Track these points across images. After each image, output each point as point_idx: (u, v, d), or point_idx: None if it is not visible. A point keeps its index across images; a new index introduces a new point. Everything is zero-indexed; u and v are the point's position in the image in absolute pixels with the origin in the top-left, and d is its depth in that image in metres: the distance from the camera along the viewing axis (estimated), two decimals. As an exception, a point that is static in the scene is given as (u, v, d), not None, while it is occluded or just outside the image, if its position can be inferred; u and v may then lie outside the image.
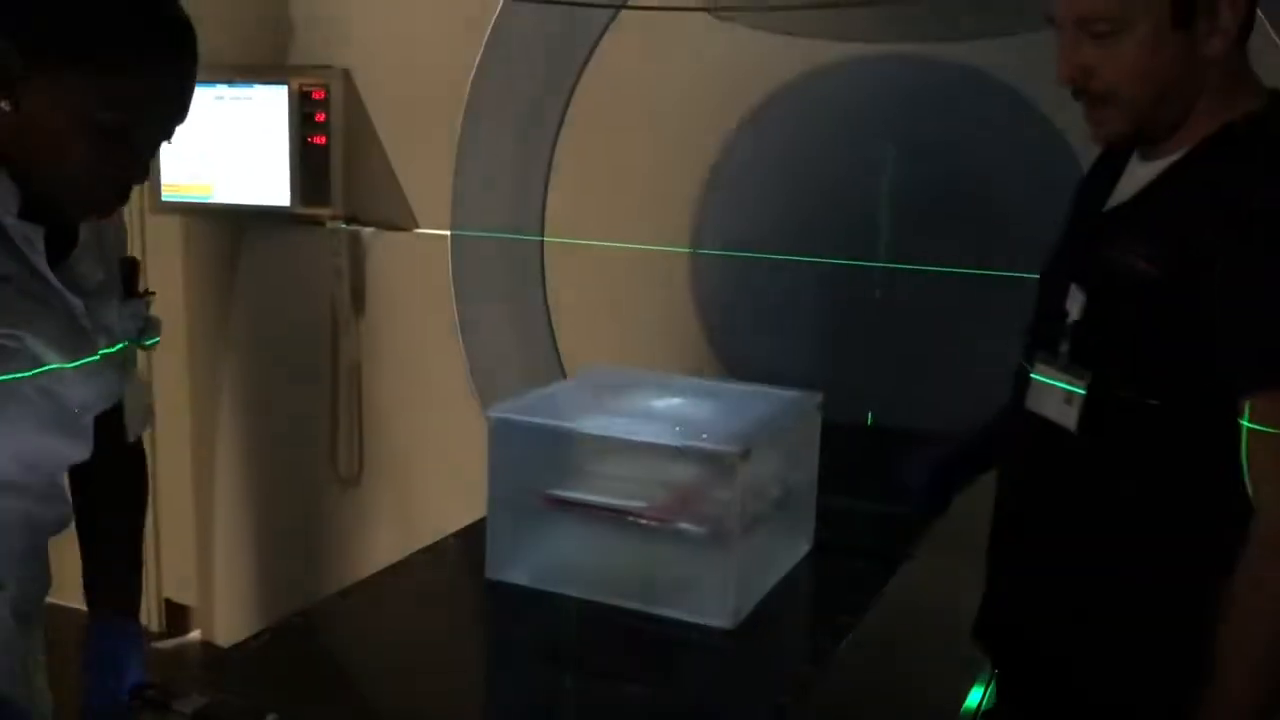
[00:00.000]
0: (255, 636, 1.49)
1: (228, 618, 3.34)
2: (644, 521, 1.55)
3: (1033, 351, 1.46)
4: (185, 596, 3.41)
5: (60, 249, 1.30)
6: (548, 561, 1.62)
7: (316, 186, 2.94)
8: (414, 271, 2.97)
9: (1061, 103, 2.29)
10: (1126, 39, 1.29)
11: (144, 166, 1.24)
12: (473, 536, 1.76)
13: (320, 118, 2.91)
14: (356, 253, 3.02)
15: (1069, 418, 1.37)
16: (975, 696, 1.63)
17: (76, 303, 1.31)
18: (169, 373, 3.14)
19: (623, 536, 1.56)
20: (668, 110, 2.66)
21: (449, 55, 2.76)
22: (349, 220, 2.97)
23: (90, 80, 1.17)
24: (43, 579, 1.44)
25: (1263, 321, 1.24)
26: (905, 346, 2.55)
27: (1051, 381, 1.40)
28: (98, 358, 1.33)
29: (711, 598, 1.50)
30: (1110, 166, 1.46)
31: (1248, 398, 1.24)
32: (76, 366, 1.30)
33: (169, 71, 1.21)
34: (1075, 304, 1.37)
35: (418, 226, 2.94)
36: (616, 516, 1.56)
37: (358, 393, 3.10)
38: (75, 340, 1.30)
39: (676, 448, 1.54)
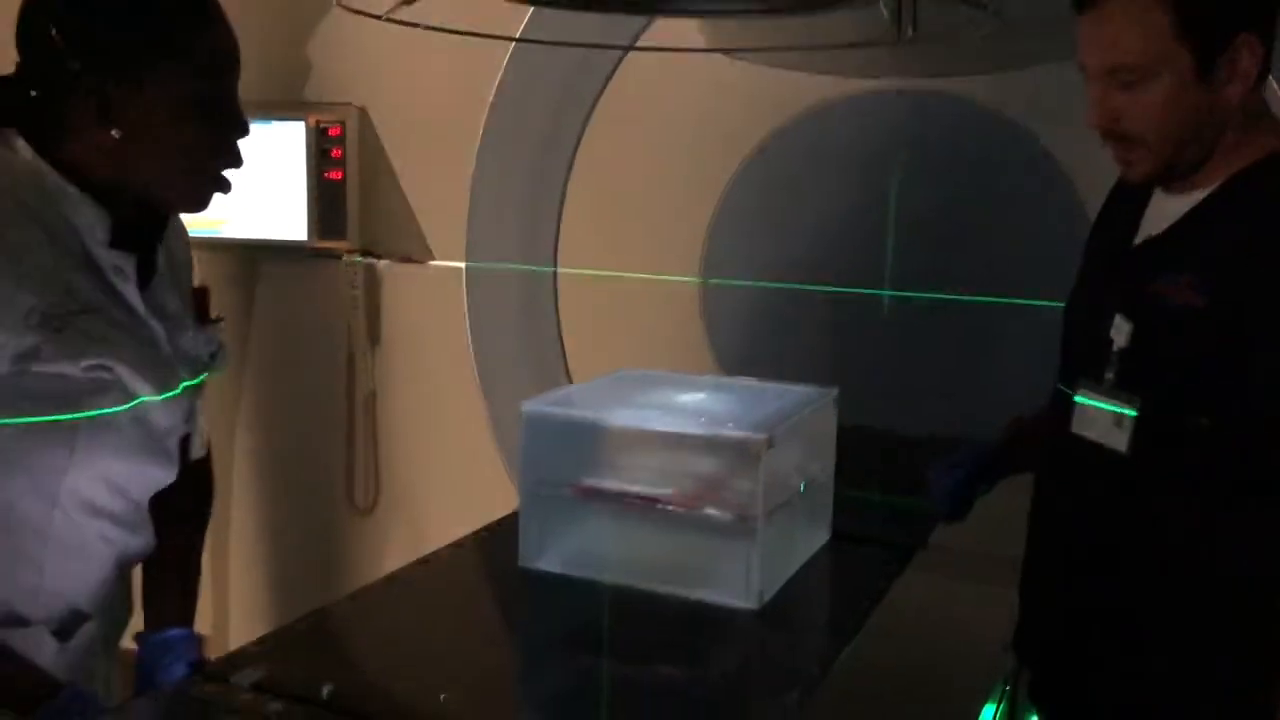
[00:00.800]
0: (302, 618, 1.54)
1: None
2: (672, 508, 1.61)
3: (1073, 378, 1.52)
4: (200, 625, 3.41)
5: (143, 278, 1.37)
6: (578, 549, 1.67)
7: (333, 220, 3.00)
8: (429, 303, 3.02)
9: (1059, 136, 2.38)
10: (1152, 87, 1.37)
11: (244, 123, 1.35)
12: (499, 531, 1.84)
13: (336, 153, 2.98)
14: (372, 284, 3.07)
15: (1119, 440, 1.44)
16: (988, 714, 1.69)
17: (159, 330, 1.38)
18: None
19: (651, 524, 1.62)
20: (679, 143, 2.73)
21: (463, 92, 2.83)
22: (365, 253, 3.04)
23: (176, 66, 1.28)
24: (126, 606, 1.49)
25: None
26: (909, 370, 2.61)
27: (1099, 405, 1.46)
28: (179, 391, 1.39)
29: (737, 580, 1.56)
30: (1130, 202, 1.53)
31: None
32: (162, 395, 1.36)
33: (219, 24, 1.33)
34: (1121, 333, 1.45)
35: (433, 259, 3.00)
36: (645, 504, 1.62)
37: (373, 423, 3.15)
38: (159, 367, 1.37)
39: (703, 437, 1.60)
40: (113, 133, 1.26)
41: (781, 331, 2.71)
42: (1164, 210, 1.47)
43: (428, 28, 1.54)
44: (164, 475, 1.42)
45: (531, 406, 1.68)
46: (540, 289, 2.91)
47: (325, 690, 1.30)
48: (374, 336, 3.11)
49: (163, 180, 1.32)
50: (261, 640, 1.47)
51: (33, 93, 1.29)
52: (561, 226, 2.88)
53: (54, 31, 1.26)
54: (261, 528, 3.35)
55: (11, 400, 1.25)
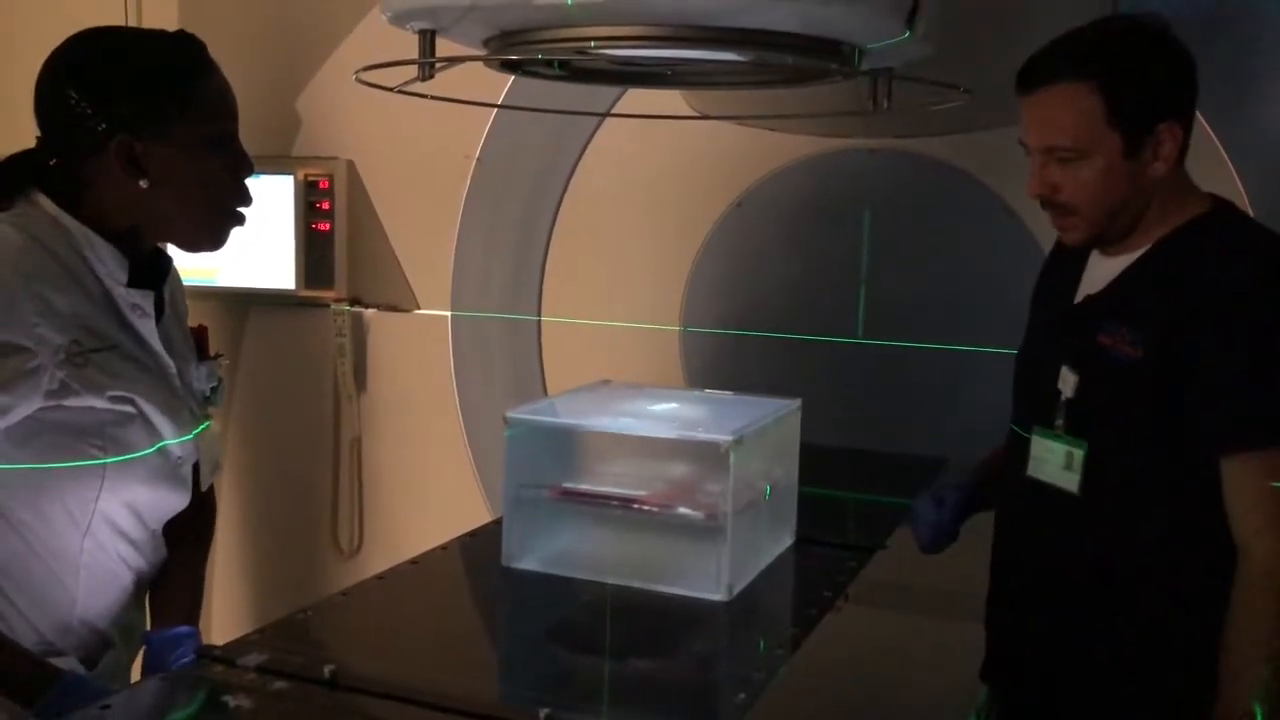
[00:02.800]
0: (300, 611, 1.62)
1: (227, 690, 3.39)
2: (647, 509, 1.71)
3: (1027, 424, 1.66)
4: (183, 669, 3.45)
5: (155, 315, 1.49)
6: (558, 548, 1.77)
7: (321, 270, 3.08)
8: (414, 350, 3.10)
9: (1019, 193, 2.49)
10: (1086, 166, 1.53)
11: (250, 162, 1.49)
12: (482, 535, 1.95)
13: (325, 205, 3.06)
14: (359, 332, 3.15)
15: (1070, 481, 1.58)
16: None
17: (170, 364, 1.49)
18: (173, 450, 3.23)
19: (627, 524, 1.73)
20: (659, 196, 2.84)
21: (449, 147, 2.92)
22: (352, 302, 3.11)
23: (192, 113, 1.42)
24: (142, 633, 1.56)
25: (1230, 390, 1.46)
26: (879, 415, 2.71)
27: (1051, 450, 1.61)
28: (200, 430, 1.50)
29: (707, 574, 1.67)
30: (1070, 262, 1.68)
31: (1225, 456, 1.47)
32: (186, 437, 1.47)
33: (217, 72, 1.48)
34: (1068, 384, 1.59)
35: (418, 308, 3.08)
36: (621, 505, 1.72)
37: (358, 467, 3.21)
38: (174, 399, 1.48)
39: (675, 441, 1.72)
40: (141, 182, 1.40)
41: (759, 379, 2.80)
42: (1101, 270, 1.63)
43: (429, 97, 1.63)
44: (179, 501, 1.53)
45: (515, 414, 1.78)
46: (524, 337, 2.99)
47: (327, 669, 1.36)
48: (360, 383, 3.17)
49: (188, 219, 1.46)
50: (261, 630, 1.54)
51: (52, 161, 1.42)
52: (545, 277, 2.97)
53: (76, 99, 1.39)
54: (246, 570, 3.39)
55: (48, 434, 1.36)
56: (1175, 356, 1.49)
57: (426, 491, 3.15)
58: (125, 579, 1.50)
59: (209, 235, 1.49)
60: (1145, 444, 1.54)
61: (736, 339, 2.81)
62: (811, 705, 2.06)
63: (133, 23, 2.92)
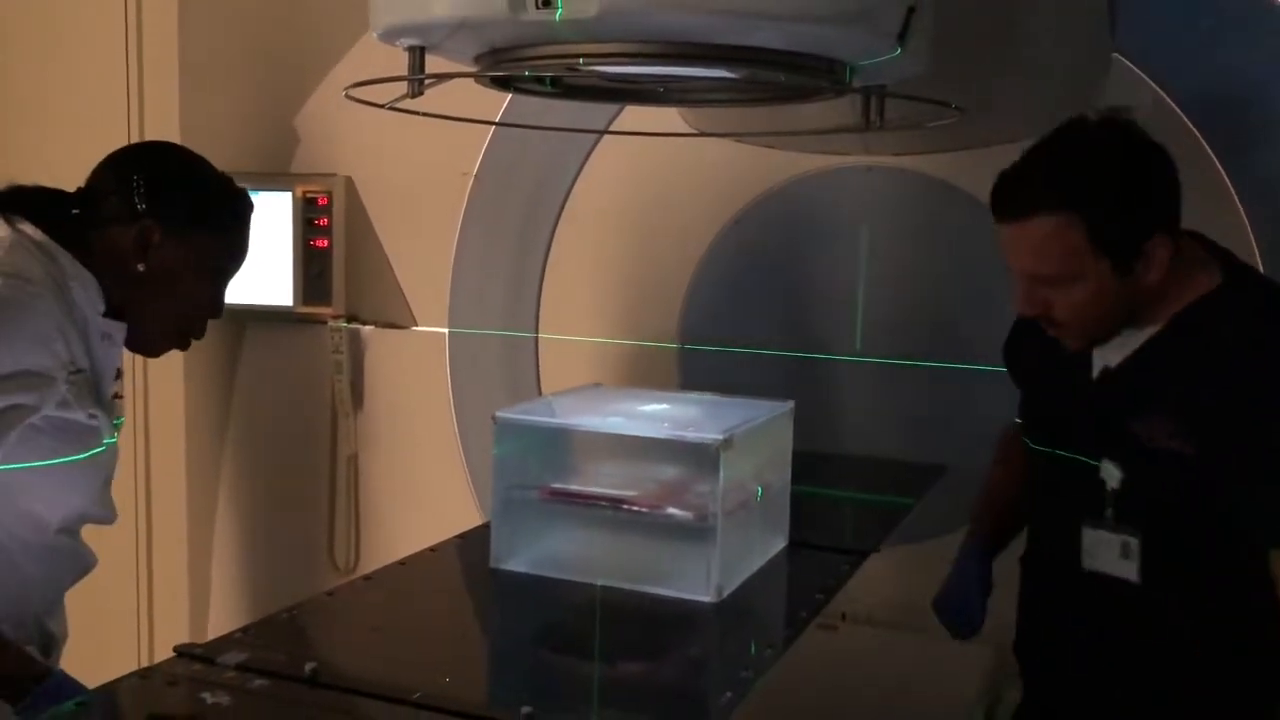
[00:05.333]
0: (286, 610, 1.61)
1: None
2: (636, 509, 1.70)
3: (1067, 510, 1.61)
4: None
5: None
6: (547, 550, 1.77)
7: (318, 287, 3.08)
8: (412, 367, 3.09)
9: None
10: (1076, 288, 1.47)
11: (222, 309, 1.66)
12: (471, 538, 1.94)
13: (323, 222, 3.06)
14: (356, 349, 3.14)
15: (1129, 570, 1.54)
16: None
17: (109, 384, 1.60)
18: (167, 462, 3.22)
19: (616, 525, 1.71)
20: (657, 213, 2.84)
21: (447, 163, 2.93)
22: (349, 319, 3.11)
23: (217, 238, 1.60)
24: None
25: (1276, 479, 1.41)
26: (876, 432, 2.69)
27: (1104, 541, 1.56)
28: (114, 439, 1.62)
29: (697, 575, 1.65)
30: None
31: (1275, 547, 1.44)
32: (113, 441, 1.61)
33: (249, 227, 1.65)
34: (1113, 478, 1.54)
35: (416, 324, 3.07)
36: (611, 506, 1.71)
37: (355, 484, 3.20)
38: (109, 418, 1.59)
39: (664, 440, 1.70)
40: (139, 266, 1.54)
41: (756, 395, 2.79)
42: (1114, 341, 1.56)
43: (423, 114, 1.63)
44: (110, 513, 1.66)
45: (504, 414, 1.77)
46: (521, 354, 2.98)
47: (308, 667, 1.36)
48: (357, 400, 3.17)
49: (151, 315, 1.59)
50: (245, 629, 1.54)
51: (75, 210, 1.56)
52: (542, 293, 2.96)
53: (137, 179, 1.55)
54: (242, 587, 3.37)
55: (48, 438, 1.47)
56: (1221, 449, 1.44)
57: (423, 508, 3.14)
58: (72, 573, 1.64)
59: (155, 339, 1.63)
60: (1201, 530, 1.51)
61: (734, 356, 2.79)
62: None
63: (132, 36, 2.93)
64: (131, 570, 3.19)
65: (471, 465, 3.01)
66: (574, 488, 1.75)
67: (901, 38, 1.40)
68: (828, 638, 2.28)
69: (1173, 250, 1.47)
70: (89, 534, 1.69)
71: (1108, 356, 1.57)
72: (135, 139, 2.89)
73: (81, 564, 1.66)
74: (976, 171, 2.52)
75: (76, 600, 1.76)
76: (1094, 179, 1.45)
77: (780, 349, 2.74)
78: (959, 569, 1.83)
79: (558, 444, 1.79)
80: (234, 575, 3.37)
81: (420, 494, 3.14)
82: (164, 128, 2.89)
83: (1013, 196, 1.49)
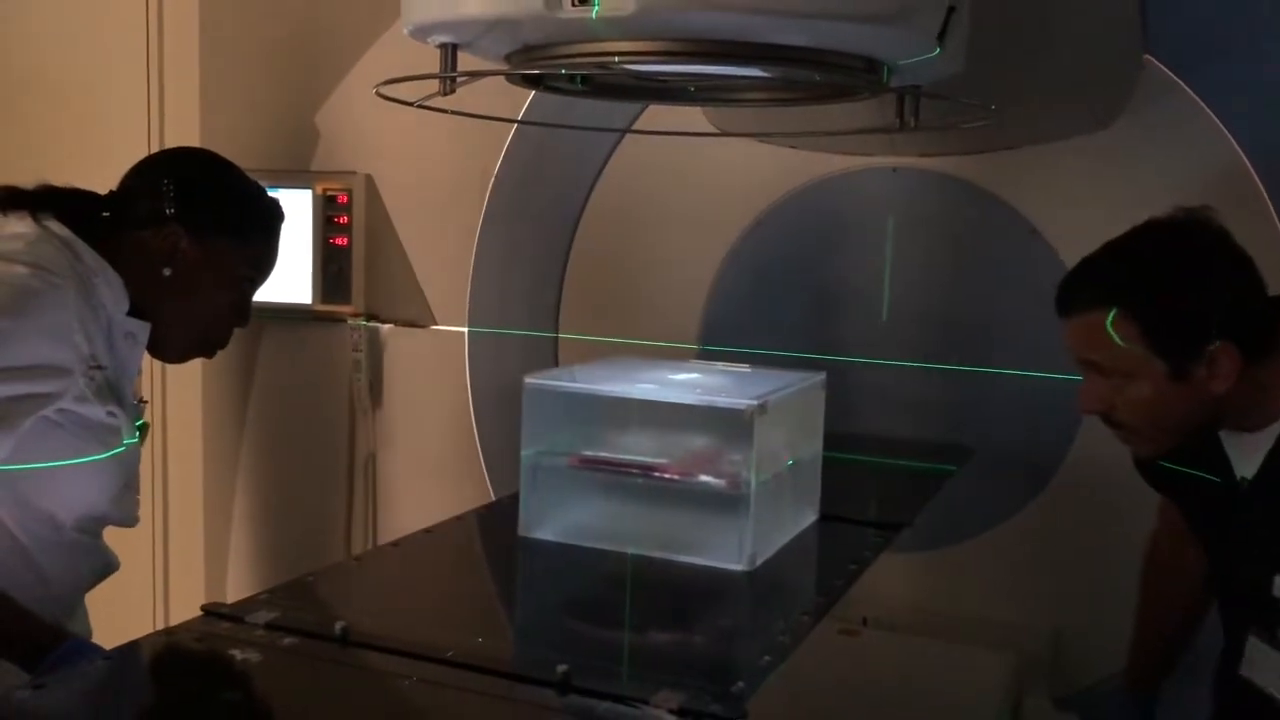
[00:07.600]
0: (310, 573, 1.61)
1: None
2: (667, 478, 1.67)
3: (1244, 617, 1.53)
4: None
5: None
6: (576, 519, 1.74)
7: (337, 285, 3.07)
8: (431, 366, 3.08)
9: (1044, 212, 2.47)
10: (1133, 386, 1.44)
11: (250, 316, 1.66)
12: (499, 507, 1.95)
13: (342, 220, 3.05)
14: (375, 348, 3.13)
15: None
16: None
17: (130, 384, 1.60)
18: (184, 460, 3.22)
19: (647, 493, 1.68)
20: (679, 213, 2.82)
21: (467, 162, 2.91)
22: (369, 317, 3.10)
23: (244, 250, 1.60)
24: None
25: None
26: (901, 437, 2.68)
27: (1270, 658, 1.48)
28: (136, 440, 1.62)
29: (729, 544, 1.63)
30: None
31: None
32: (134, 441, 1.60)
33: (279, 241, 1.66)
34: None
35: (435, 323, 3.06)
36: (641, 474, 1.68)
37: (373, 483, 3.19)
38: (129, 418, 1.59)
39: (697, 407, 1.67)
40: (165, 270, 1.54)
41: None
42: (1241, 445, 1.51)
43: (451, 112, 1.62)
44: (132, 514, 1.65)
45: (533, 379, 1.75)
46: (541, 354, 2.97)
47: (339, 626, 1.34)
48: (375, 399, 3.16)
49: (175, 322, 1.59)
50: (271, 590, 1.52)
51: (105, 213, 1.56)
52: (563, 293, 2.95)
53: (168, 184, 1.55)
54: (259, 585, 3.36)
55: (66, 433, 1.46)
56: None
57: (441, 508, 3.11)
58: (95, 572, 1.64)
59: (178, 344, 1.63)
60: None
61: (754, 358, 2.78)
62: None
63: (153, 33, 2.93)
64: (148, 569, 3.18)
65: (490, 465, 2.99)
66: (604, 455, 1.72)
67: (941, 37, 1.38)
68: (849, 643, 2.25)
69: (1240, 360, 1.42)
70: (108, 534, 1.68)
71: (1240, 461, 1.51)
72: (155, 135, 2.88)
73: (103, 565, 1.65)
74: (1004, 173, 2.53)
75: (94, 602, 1.75)
76: (1150, 276, 1.44)
77: (802, 351, 2.72)
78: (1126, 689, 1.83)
79: (587, 411, 1.75)
80: (251, 573, 3.37)
81: (438, 493, 3.13)
82: (184, 124, 2.88)
83: (1071, 295, 1.50)
